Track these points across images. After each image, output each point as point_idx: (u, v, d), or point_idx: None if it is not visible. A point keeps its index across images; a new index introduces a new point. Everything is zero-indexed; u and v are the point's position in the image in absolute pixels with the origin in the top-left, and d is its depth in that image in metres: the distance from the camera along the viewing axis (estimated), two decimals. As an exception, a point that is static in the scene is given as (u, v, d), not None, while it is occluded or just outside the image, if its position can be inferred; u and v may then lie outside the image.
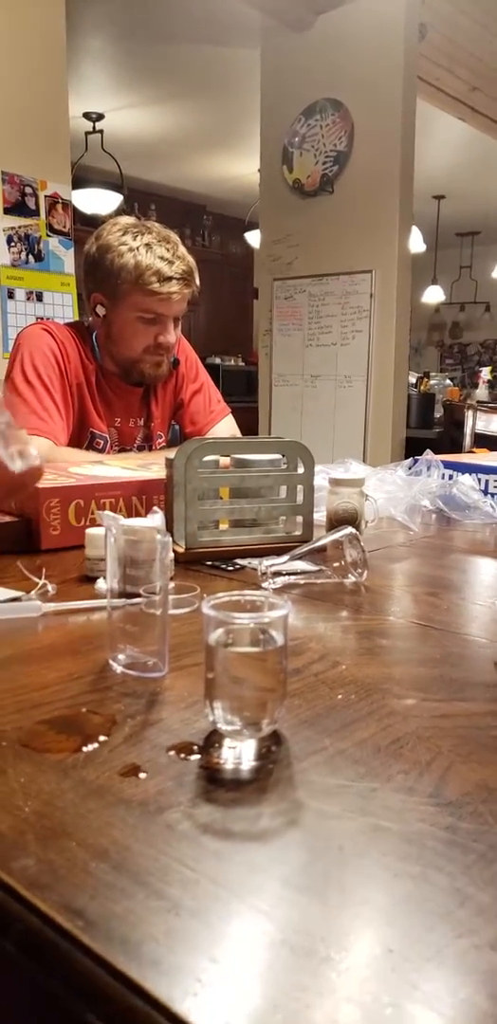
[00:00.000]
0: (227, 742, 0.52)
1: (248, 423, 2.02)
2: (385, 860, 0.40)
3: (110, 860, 0.40)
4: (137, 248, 1.48)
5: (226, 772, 0.50)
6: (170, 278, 1.48)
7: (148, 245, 1.48)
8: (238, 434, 1.84)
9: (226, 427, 1.82)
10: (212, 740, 0.53)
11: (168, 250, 1.50)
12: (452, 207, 7.26)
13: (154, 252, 1.48)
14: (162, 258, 1.48)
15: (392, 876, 0.39)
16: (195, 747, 0.52)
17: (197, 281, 1.56)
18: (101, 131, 5.32)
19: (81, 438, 1.60)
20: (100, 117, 5.22)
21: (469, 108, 4.58)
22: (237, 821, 0.44)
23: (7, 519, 1.05)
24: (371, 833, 0.42)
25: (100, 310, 1.56)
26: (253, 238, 6.38)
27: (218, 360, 7.08)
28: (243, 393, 6.58)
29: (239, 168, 6.32)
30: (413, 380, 5.50)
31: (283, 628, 0.53)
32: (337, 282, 3.90)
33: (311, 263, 3.97)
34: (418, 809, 0.45)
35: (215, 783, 0.48)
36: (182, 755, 0.51)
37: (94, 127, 5.29)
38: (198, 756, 0.51)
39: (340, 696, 0.61)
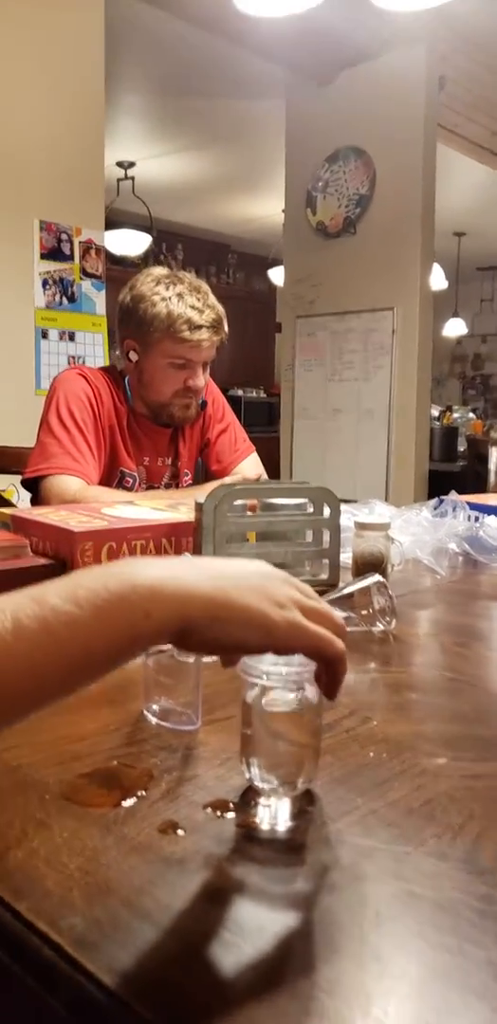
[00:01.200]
0: (262, 800, 0.54)
1: (269, 454, 2.05)
2: (421, 929, 0.41)
3: (153, 920, 0.41)
4: (169, 298, 1.53)
5: (262, 832, 0.51)
6: (200, 326, 1.53)
7: (180, 295, 1.53)
8: (262, 471, 1.87)
9: (251, 465, 1.84)
10: (247, 797, 0.54)
11: (199, 299, 1.54)
12: (473, 243, 7.33)
13: (185, 301, 1.53)
14: (193, 307, 1.53)
15: (428, 947, 0.39)
16: (231, 804, 0.53)
17: (226, 328, 1.60)
18: (132, 177, 5.48)
19: (111, 476, 1.63)
20: (131, 164, 5.41)
21: (489, 152, 4.65)
22: (275, 883, 0.45)
23: (42, 562, 1.07)
24: (406, 899, 0.43)
25: (133, 356, 1.61)
26: (275, 275, 6.48)
27: (240, 392, 7.15)
28: (264, 424, 6.64)
29: (263, 209, 6.45)
30: (436, 413, 5.50)
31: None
32: (359, 319, 3.94)
33: (334, 301, 4.02)
34: (452, 876, 0.45)
35: (252, 842, 0.49)
36: (218, 812, 0.52)
37: (126, 174, 5.46)
38: (234, 814, 0.52)
39: (372, 754, 0.62)
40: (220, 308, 1.59)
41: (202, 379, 1.61)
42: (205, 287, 1.59)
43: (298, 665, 0.58)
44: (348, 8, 1.64)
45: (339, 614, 0.96)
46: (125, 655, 0.46)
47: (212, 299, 1.58)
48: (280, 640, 0.49)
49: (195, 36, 3.38)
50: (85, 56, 2.90)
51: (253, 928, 0.41)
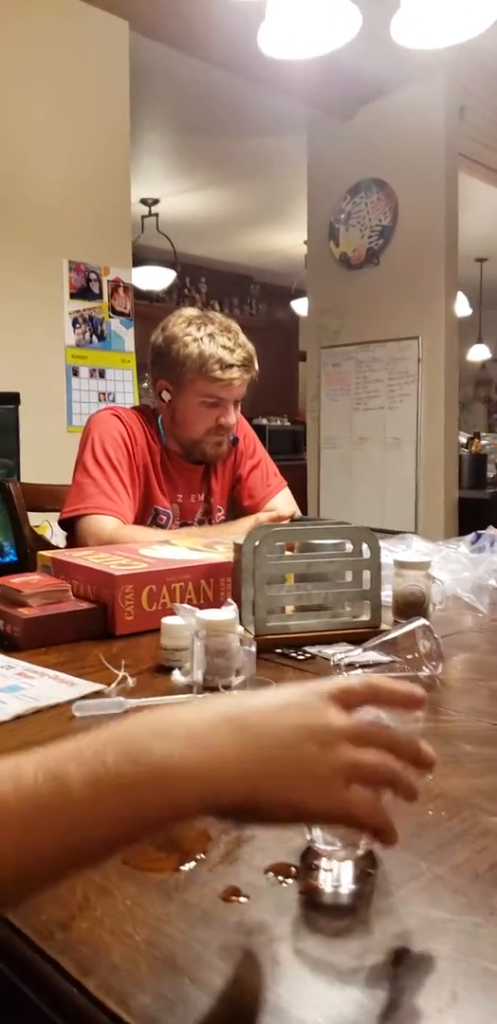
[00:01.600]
0: (323, 863, 0.52)
1: (294, 481, 2.05)
2: (502, 1010, 0.39)
3: (222, 997, 0.40)
4: (201, 338, 1.55)
5: (326, 898, 0.50)
6: (232, 365, 1.55)
7: (211, 335, 1.55)
8: (295, 506, 1.87)
9: (283, 501, 1.84)
10: (307, 860, 0.53)
11: (229, 339, 1.56)
12: (495, 268, 7.33)
13: (217, 341, 1.55)
14: (224, 347, 1.55)
15: (513, 1031, 0.38)
16: (292, 868, 0.52)
17: (256, 366, 1.62)
18: (156, 214, 5.58)
19: (146, 514, 1.64)
20: (156, 202, 5.51)
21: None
22: (344, 958, 0.44)
23: (85, 606, 1.08)
24: (482, 979, 0.42)
25: (165, 395, 1.62)
26: (298, 305, 6.52)
27: (265, 421, 7.18)
28: (289, 452, 6.65)
29: (285, 241, 6.51)
30: (464, 440, 5.46)
31: None
32: (384, 349, 3.94)
33: (358, 331, 4.03)
34: (529, 950, 0.44)
35: (316, 911, 0.48)
36: (280, 878, 0.51)
37: (150, 211, 5.56)
38: (296, 880, 0.51)
39: (430, 812, 0.61)
40: (251, 347, 1.61)
41: (233, 416, 1.62)
42: (235, 326, 1.61)
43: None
44: (368, 45, 1.67)
45: (382, 658, 0.96)
46: (135, 841, 0.41)
47: (242, 338, 1.60)
48: (322, 822, 0.45)
49: (217, 76, 3.45)
50: (111, 100, 2.97)
51: (324, 1005, 0.40)
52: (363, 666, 0.94)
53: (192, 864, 0.52)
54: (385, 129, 3.83)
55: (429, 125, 3.69)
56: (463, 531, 2.15)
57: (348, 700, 0.46)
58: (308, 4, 1.46)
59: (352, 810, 0.43)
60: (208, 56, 3.22)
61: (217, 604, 1.11)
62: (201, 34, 3.01)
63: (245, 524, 1.62)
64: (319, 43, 1.54)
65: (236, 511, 1.81)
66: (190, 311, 1.64)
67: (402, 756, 0.46)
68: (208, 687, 0.68)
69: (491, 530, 1.59)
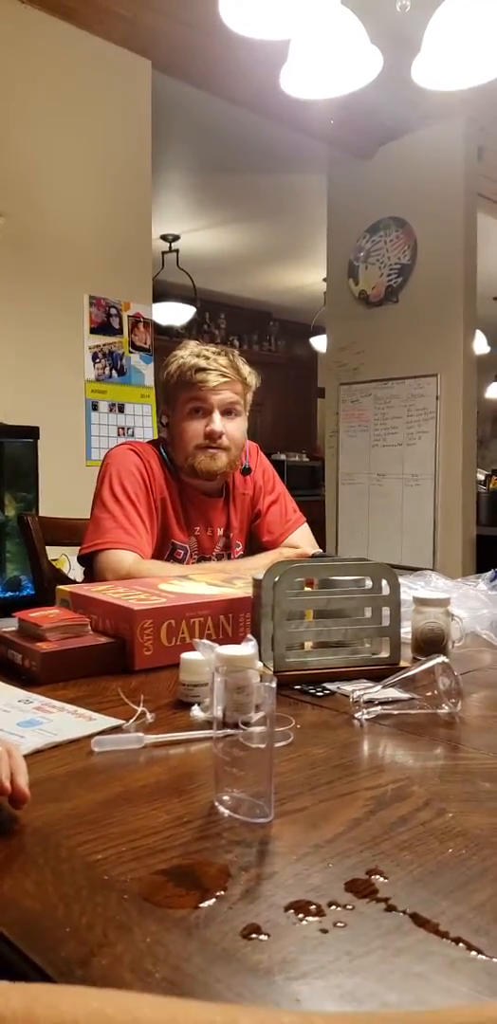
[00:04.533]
0: (347, 902, 0.52)
1: (313, 516, 2.05)
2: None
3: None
4: (183, 356, 1.64)
5: (347, 935, 0.49)
6: (208, 369, 1.60)
7: (193, 352, 1.63)
8: (314, 542, 1.86)
9: (302, 536, 1.84)
10: (329, 897, 0.52)
11: (210, 350, 1.64)
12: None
13: (195, 352, 1.63)
14: (202, 355, 1.62)
15: None
16: (312, 907, 0.52)
17: (244, 374, 1.66)
18: (177, 250, 5.68)
19: (164, 548, 1.65)
20: (176, 238, 5.60)
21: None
22: (368, 999, 0.43)
23: (103, 640, 1.08)
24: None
25: (164, 419, 1.70)
26: (317, 342, 6.58)
27: (283, 456, 7.21)
28: (307, 487, 6.67)
29: (304, 278, 6.59)
30: (482, 477, 5.45)
31: None
32: (402, 386, 3.96)
33: (377, 368, 4.06)
34: None
35: (338, 949, 0.48)
36: (300, 916, 0.51)
37: (170, 247, 5.66)
38: (317, 918, 0.51)
39: (450, 850, 0.60)
40: (235, 355, 1.67)
41: (220, 425, 1.62)
42: (229, 350, 1.68)
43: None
44: (388, 85, 1.71)
45: (402, 695, 0.95)
46: None
47: (229, 351, 1.67)
48: None
49: (238, 115, 3.53)
50: (133, 138, 3.05)
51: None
52: (382, 703, 0.94)
53: (212, 901, 0.52)
54: (404, 168, 3.89)
55: (448, 165, 3.75)
56: (481, 568, 2.14)
57: None
58: (330, 45, 1.50)
59: None
60: (229, 95, 3.31)
61: (236, 640, 1.11)
62: (223, 73, 3.09)
63: (265, 559, 1.63)
64: (340, 83, 1.58)
65: (255, 547, 1.82)
66: (191, 342, 1.71)
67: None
68: (227, 723, 0.68)
69: (511, 567, 1.58)
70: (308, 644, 1.11)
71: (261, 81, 1.58)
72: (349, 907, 0.52)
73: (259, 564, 1.50)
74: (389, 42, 1.46)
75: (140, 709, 0.88)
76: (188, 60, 3.04)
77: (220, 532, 1.75)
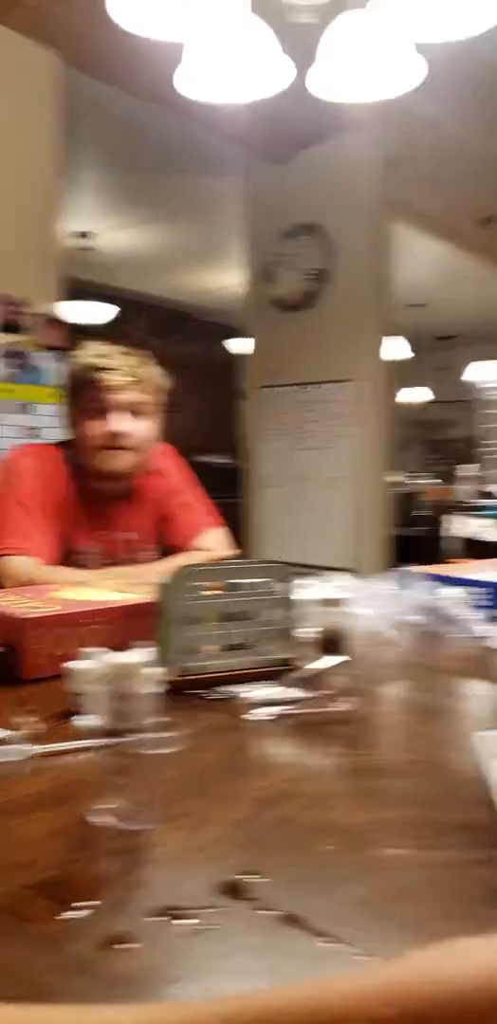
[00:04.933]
0: (221, 904, 0.51)
1: (231, 519, 2.05)
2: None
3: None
4: (86, 355, 1.62)
5: (219, 936, 0.49)
6: (109, 368, 1.58)
7: (97, 351, 1.61)
8: (227, 545, 1.85)
9: (215, 539, 1.83)
10: (204, 901, 0.52)
11: (115, 349, 1.61)
12: (432, 314, 7.62)
13: (99, 352, 1.60)
14: (102, 355, 1.60)
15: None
16: (187, 911, 0.51)
17: (150, 374, 1.64)
18: (91, 248, 5.58)
19: (68, 553, 1.61)
20: (94, 236, 5.51)
21: (444, 227, 4.85)
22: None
23: (-5, 648, 1.04)
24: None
25: (69, 420, 1.66)
26: (237, 344, 6.61)
27: (202, 459, 7.19)
28: (228, 490, 6.66)
29: (223, 280, 6.61)
30: (399, 479, 5.60)
31: None
32: (320, 390, 4.03)
33: (296, 373, 4.11)
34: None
35: (211, 951, 0.47)
36: (172, 921, 0.50)
37: (88, 246, 5.56)
38: (189, 921, 0.50)
39: (331, 848, 0.60)
40: (141, 356, 1.64)
41: (121, 424, 1.59)
42: (132, 349, 1.65)
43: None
44: (299, 94, 1.73)
45: (301, 695, 0.96)
46: None
47: (135, 352, 1.64)
48: None
49: (154, 115, 3.49)
50: (37, 133, 2.96)
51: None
52: (279, 703, 0.94)
53: (83, 912, 0.50)
54: (321, 175, 3.96)
55: (363, 173, 3.83)
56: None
57: None
58: (232, 50, 1.48)
59: None
60: (142, 93, 3.26)
61: (141, 646, 1.09)
62: (135, 70, 3.03)
63: (172, 563, 1.61)
64: (247, 90, 1.58)
65: (166, 550, 1.80)
66: (91, 343, 1.67)
67: None
68: (113, 732, 0.66)
69: (414, 567, 1.63)
70: (214, 648, 1.10)
71: (168, 79, 1.56)
72: (223, 909, 0.51)
73: (167, 568, 1.49)
74: (305, 53, 1.48)
75: (28, 719, 0.85)
76: (94, 54, 2.99)
77: (127, 536, 1.72)
